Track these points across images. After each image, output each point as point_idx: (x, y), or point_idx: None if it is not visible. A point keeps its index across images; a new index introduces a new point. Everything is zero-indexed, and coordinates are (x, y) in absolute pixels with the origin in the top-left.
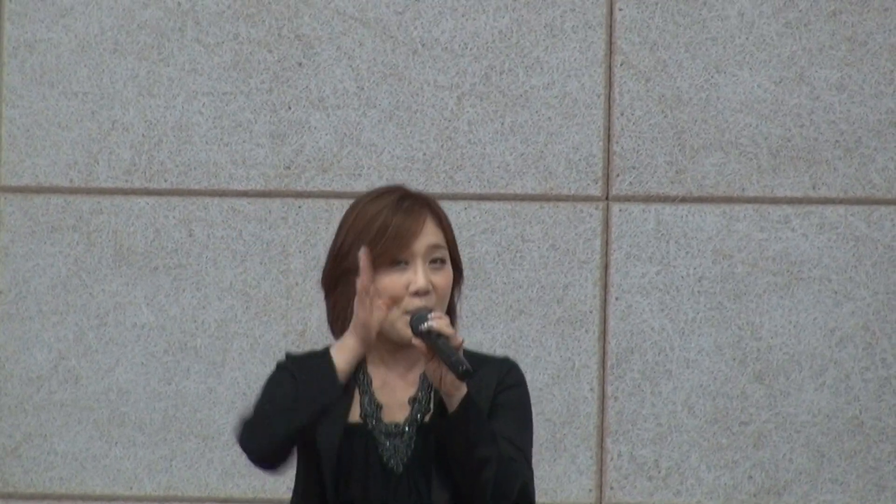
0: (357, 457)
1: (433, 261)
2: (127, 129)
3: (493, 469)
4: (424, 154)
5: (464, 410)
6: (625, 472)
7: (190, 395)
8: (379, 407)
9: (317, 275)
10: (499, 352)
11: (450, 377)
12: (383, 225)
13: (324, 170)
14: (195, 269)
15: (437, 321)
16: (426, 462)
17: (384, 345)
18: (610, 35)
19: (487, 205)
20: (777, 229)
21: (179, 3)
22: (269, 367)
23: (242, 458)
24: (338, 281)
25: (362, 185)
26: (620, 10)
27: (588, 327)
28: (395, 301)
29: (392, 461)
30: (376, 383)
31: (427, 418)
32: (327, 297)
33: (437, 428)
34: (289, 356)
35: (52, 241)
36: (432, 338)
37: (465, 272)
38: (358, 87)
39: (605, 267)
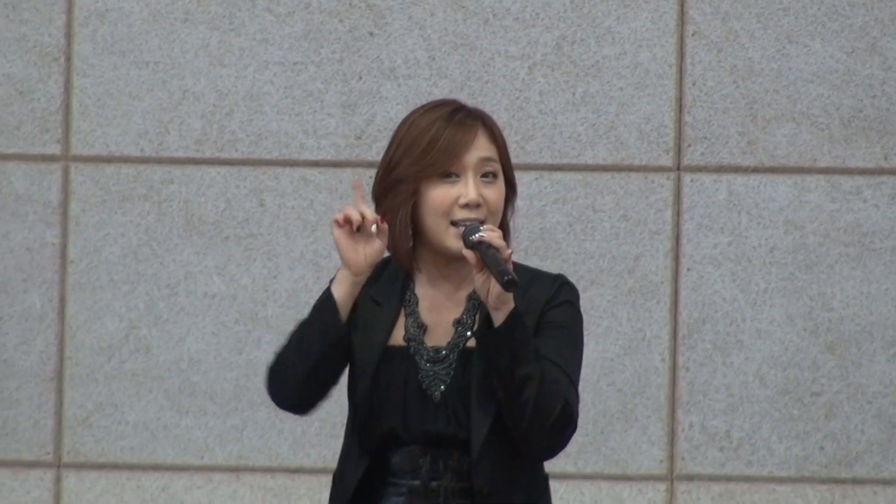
0: (396, 382)
1: (485, 174)
2: (198, 98)
3: (535, 389)
4: None
5: (510, 325)
6: (696, 443)
7: (261, 365)
8: (423, 328)
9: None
10: None
11: (497, 289)
12: (435, 136)
13: None
14: (266, 239)
15: (489, 232)
16: (465, 389)
17: (433, 261)
18: (682, 5)
19: (559, 175)
20: (848, 200)
21: None
22: None
23: (313, 428)
24: (387, 191)
25: None
26: None
27: (659, 298)
28: (443, 213)
29: (431, 387)
30: (423, 303)
31: (468, 344)
32: (377, 207)
33: (482, 340)
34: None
35: (123, 210)
36: (482, 249)
37: (537, 242)
38: (429, 56)
39: (677, 237)
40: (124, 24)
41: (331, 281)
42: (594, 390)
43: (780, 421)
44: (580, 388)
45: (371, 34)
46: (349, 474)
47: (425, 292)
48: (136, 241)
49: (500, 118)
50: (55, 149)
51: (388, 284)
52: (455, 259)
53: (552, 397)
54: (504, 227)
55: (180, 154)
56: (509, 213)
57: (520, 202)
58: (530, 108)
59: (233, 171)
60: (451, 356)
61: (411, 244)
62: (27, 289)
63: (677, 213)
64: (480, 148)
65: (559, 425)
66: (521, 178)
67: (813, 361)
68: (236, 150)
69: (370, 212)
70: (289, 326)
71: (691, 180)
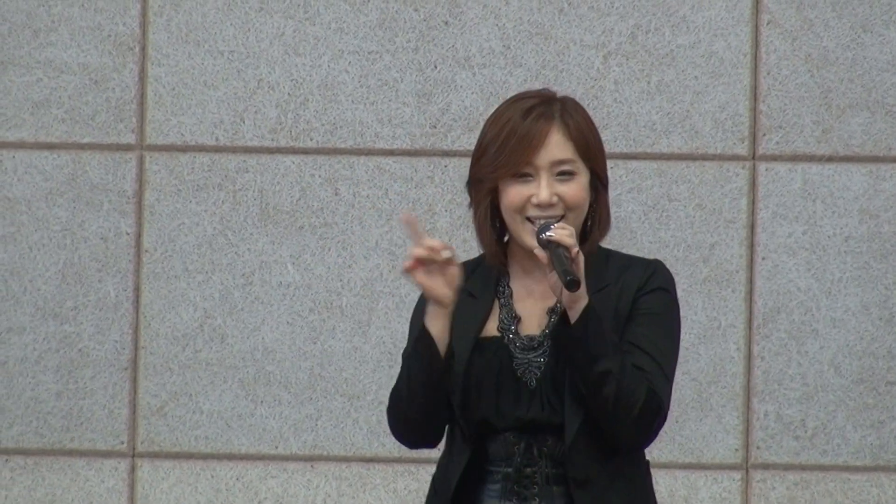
0: (490, 370)
1: (561, 172)
2: (273, 87)
3: (614, 383)
4: None
5: (583, 322)
6: (771, 432)
7: (336, 355)
8: (517, 319)
9: (463, 233)
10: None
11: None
12: (508, 137)
13: (470, 129)
14: (341, 228)
15: (558, 231)
16: (560, 375)
17: (523, 254)
18: None
19: (634, 164)
20: None
21: None
22: None
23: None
24: (472, 186)
25: None
26: None
27: (734, 287)
28: (518, 211)
29: (526, 375)
30: (516, 295)
31: None
32: (469, 201)
33: (556, 338)
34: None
35: (197, 199)
36: (551, 247)
37: (612, 231)
38: (504, 45)
39: (752, 226)
40: (199, 13)
41: (417, 308)
42: None
43: (854, 410)
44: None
45: (446, 23)
46: (453, 465)
47: (519, 284)
48: (210, 231)
49: None
50: (130, 138)
51: (483, 277)
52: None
53: (635, 389)
54: (600, 219)
55: (255, 143)
56: (606, 205)
57: None
58: (605, 97)
59: (307, 160)
60: (545, 343)
61: (495, 238)
62: (102, 278)
63: (752, 202)
64: (552, 148)
65: (645, 415)
66: None
67: (888, 350)
68: (311, 139)
69: (434, 241)
70: (363, 316)
71: (766, 169)
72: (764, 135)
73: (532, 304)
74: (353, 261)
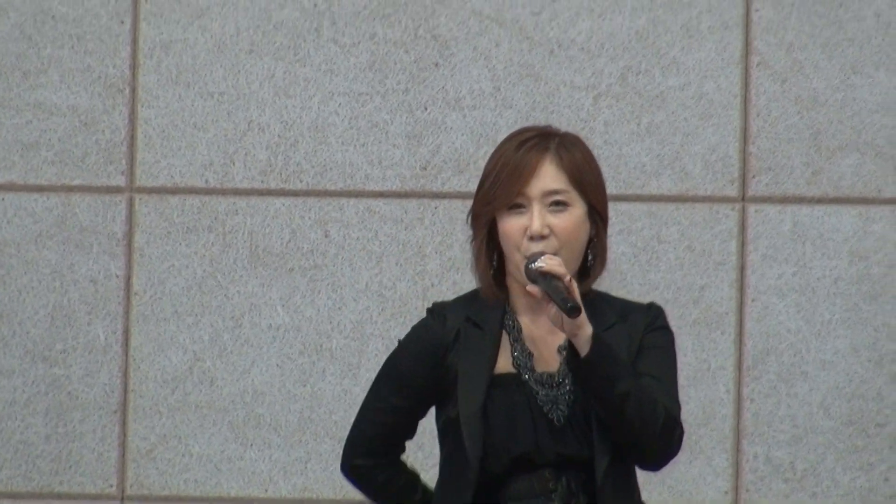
0: (516, 407)
1: (554, 203)
2: (263, 129)
3: (635, 403)
4: None
5: (595, 351)
6: (760, 474)
7: (325, 397)
8: (530, 355)
9: (453, 275)
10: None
11: (568, 318)
12: (501, 168)
13: (460, 170)
14: (331, 270)
15: (547, 261)
16: (586, 412)
17: (525, 293)
18: (746, 35)
19: (623, 205)
20: None
21: (316, 4)
22: None
23: None
24: (472, 222)
25: None
26: (757, 10)
27: (724, 329)
28: (515, 245)
29: (553, 413)
30: (525, 332)
31: None
32: (471, 237)
33: (574, 373)
34: (433, 308)
35: (187, 241)
36: (543, 279)
37: (602, 273)
38: (494, 87)
39: (742, 268)
40: (189, 56)
41: (396, 355)
42: None
43: (844, 452)
44: None
45: (436, 65)
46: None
47: (526, 320)
48: (200, 273)
49: None
50: (120, 180)
51: (485, 309)
52: None
53: (654, 405)
54: (598, 255)
55: (245, 185)
56: (603, 241)
57: None
58: (595, 138)
59: (298, 202)
60: (567, 381)
61: (491, 271)
62: (91, 321)
63: (742, 244)
64: (544, 178)
65: (667, 431)
66: None
67: (878, 392)
68: (301, 181)
69: None
70: (353, 358)
71: (756, 211)
72: (754, 176)
73: (542, 341)
74: (342, 303)
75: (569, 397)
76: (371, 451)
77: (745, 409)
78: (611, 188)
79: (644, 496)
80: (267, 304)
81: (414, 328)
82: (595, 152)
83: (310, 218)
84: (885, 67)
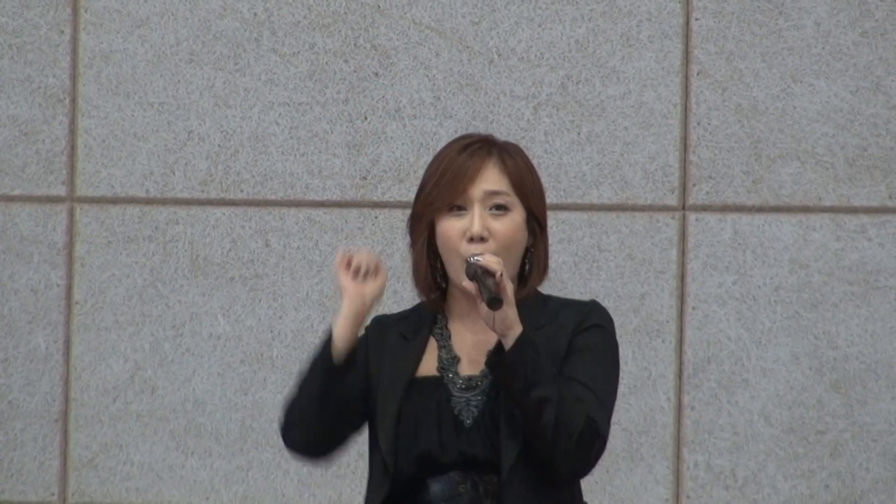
0: (428, 408)
1: (495, 206)
2: (203, 139)
3: (553, 410)
4: None
5: (518, 349)
6: (701, 482)
7: (266, 406)
8: (456, 360)
9: (393, 285)
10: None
11: (501, 315)
12: (444, 169)
13: (400, 180)
14: (271, 280)
15: (484, 257)
16: (497, 413)
17: (462, 297)
18: (686, 45)
19: (564, 214)
20: (853, 239)
21: (255, 14)
22: None
23: (319, 468)
24: (411, 226)
25: None
26: (697, 19)
27: (665, 337)
28: (454, 248)
29: (463, 413)
30: (456, 337)
31: None
32: (410, 242)
33: (492, 366)
34: (373, 320)
35: (128, 251)
36: (477, 275)
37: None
38: (434, 97)
39: (682, 276)
40: (129, 66)
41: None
42: None
43: (785, 460)
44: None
45: (376, 74)
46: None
47: (459, 325)
48: (141, 283)
49: None
50: (60, 190)
51: (417, 320)
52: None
53: (574, 417)
54: (536, 262)
55: (185, 195)
56: (543, 249)
57: None
58: (535, 147)
59: (238, 212)
60: (483, 383)
61: (430, 275)
62: (32, 330)
63: (682, 253)
64: (487, 180)
65: (584, 444)
66: None
67: (818, 400)
68: (241, 191)
69: (365, 256)
70: (295, 367)
71: (696, 219)
72: (694, 185)
73: (471, 346)
74: (283, 312)
75: (482, 398)
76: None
77: (686, 416)
78: (551, 197)
79: None
80: (208, 314)
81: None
82: (535, 162)
83: (250, 227)
84: (825, 76)
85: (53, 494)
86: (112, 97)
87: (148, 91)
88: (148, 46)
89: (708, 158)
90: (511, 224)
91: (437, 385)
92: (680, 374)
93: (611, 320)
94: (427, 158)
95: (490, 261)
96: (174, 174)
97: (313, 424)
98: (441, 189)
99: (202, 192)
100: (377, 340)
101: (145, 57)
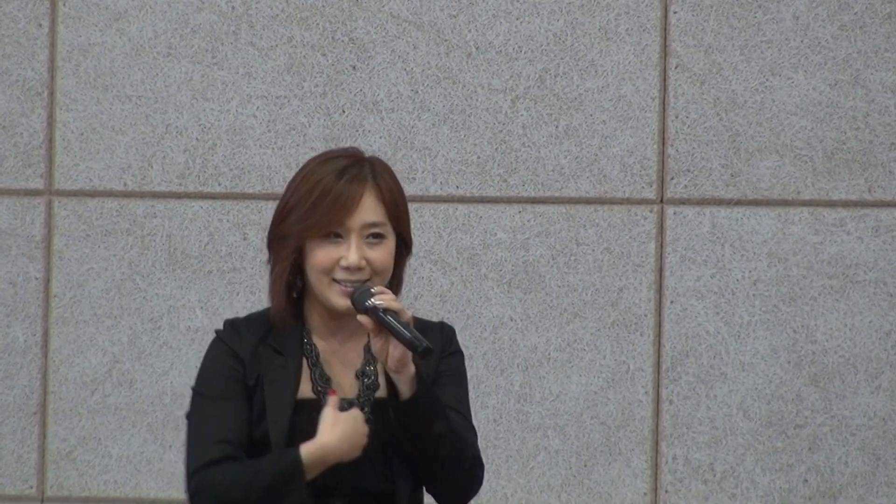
0: (313, 434)
1: (371, 235)
2: (181, 132)
3: (448, 443)
4: (478, 157)
5: (420, 392)
6: (679, 476)
7: None
8: (328, 380)
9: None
10: (554, 356)
11: (398, 353)
12: (321, 195)
13: None
14: (249, 273)
15: (383, 297)
16: (387, 442)
17: (322, 314)
18: (664, 38)
19: (541, 208)
20: (832, 232)
21: (233, 7)
22: None
23: None
24: (275, 243)
25: (416, 189)
26: (675, 13)
27: (643, 331)
28: (325, 272)
29: None
30: (323, 356)
31: (377, 394)
32: (269, 258)
33: (394, 410)
34: (226, 324)
35: (106, 244)
36: (379, 315)
37: (520, 275)
38: (412, 90)
39: (660, 270)
40: (107, 59)
41: (213, 351)
42: (577, 423)
43: (763, 453)
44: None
45: (354, 68)
46: None
47: (323, 344)
48: (119, 276)
49: (484, 151)
50: (38, 183)
51: (284, 333)
52: (342, 315)
53: (464, 447)
54: (396, 283)
55: (163, 188)
56: (403, 270)
57: (503, 235)
58: (513, 140)
59: (216, 205)
60: (365, 411)
61: (288, 297)
62: (10, 323)
63: (660, 246)
64: (365, 211)
65: (472, 470)
66: (504, 211)
67: (797, 394)
68: (219, 184)
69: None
70: None
71: (674, 213)
72: (672, 178)
73: (339, 367)
74: (261, 305)
75: (368, 427)
76: (222, 441)
77: (664, 410)
78: (529, 190)
79: (562, 498)
80: (185, 307)
81: (211, 348)
82: (513, 155)
83: (228, 221)
84: (804, 69)
85: (31, 487)
86: (90, 90)
87: (126, 84)
88: (126, 40)
89: (686, 152)
90: (385, 252)
91: (318, 409)
92: (658, 368)
93: (458, 342)
94: (405, 152)
95: (388, 300)
96: (152, 167)
97: None
98: (319, 216)
99: (180, 185)
100: (249, 353)
101: (123, 50)
